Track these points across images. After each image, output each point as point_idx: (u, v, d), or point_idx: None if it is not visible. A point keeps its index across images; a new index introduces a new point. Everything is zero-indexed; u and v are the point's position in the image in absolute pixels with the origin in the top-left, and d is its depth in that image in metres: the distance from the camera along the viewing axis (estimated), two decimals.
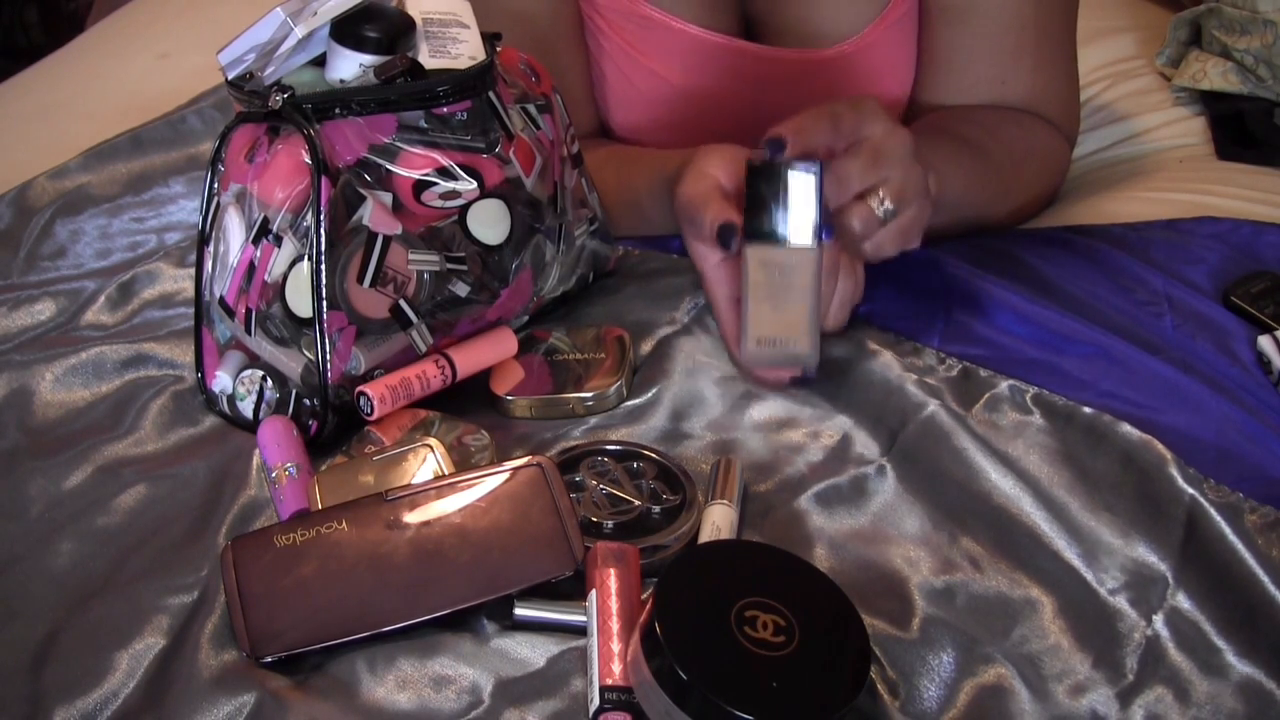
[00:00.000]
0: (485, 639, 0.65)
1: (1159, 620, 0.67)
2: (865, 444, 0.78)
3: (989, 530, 0.72)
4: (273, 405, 0.79)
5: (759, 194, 0.75)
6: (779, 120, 0.76)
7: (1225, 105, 1.17)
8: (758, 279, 0.76)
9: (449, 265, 0.80)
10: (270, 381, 0.79)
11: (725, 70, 1.01)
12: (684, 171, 0.82)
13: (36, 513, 0.74)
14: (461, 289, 0.81)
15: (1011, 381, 0.80)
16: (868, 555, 0.70)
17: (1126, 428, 0.74)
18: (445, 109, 0.79)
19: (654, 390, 0.81)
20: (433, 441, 0.74)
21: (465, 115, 0.80)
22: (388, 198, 0.78)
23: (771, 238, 0.75)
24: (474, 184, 0.80)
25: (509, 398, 0.81)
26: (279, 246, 0.77)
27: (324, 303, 0.76)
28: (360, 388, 0.77)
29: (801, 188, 0.75)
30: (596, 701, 0.60)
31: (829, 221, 0.76)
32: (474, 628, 0.66)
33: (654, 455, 0.75)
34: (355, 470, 0.73)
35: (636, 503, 0.71)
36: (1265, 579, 0.66)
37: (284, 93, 0.76)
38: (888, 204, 0.76)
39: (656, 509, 0.71)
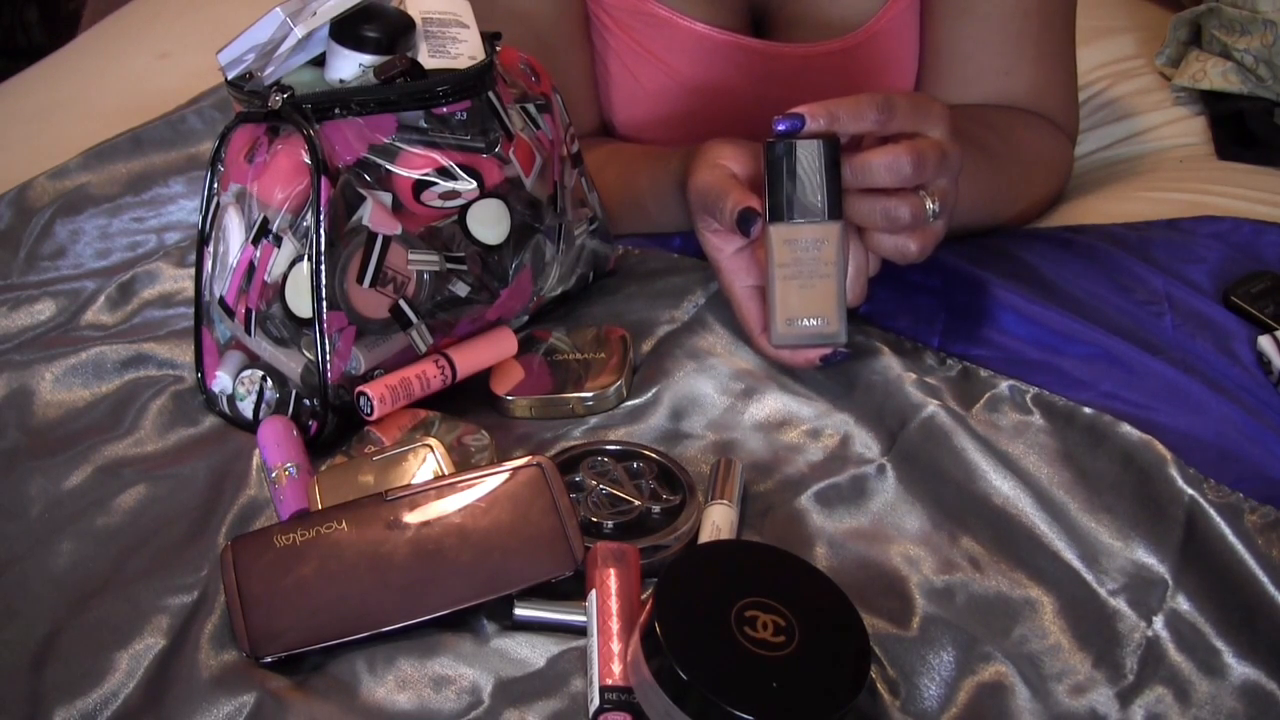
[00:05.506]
0: (485, 639, 0.65)
1: (1159, 621, 0.67)
2: (865, 444, 0.78)
3: (989, 530, 0.72)
4: (273, 405, 0.79)
5: (780, 172, 0.75)
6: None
7: (1225, 105, 1.17)
8: (783, 258, 0.76)
9: (449, 265, 0.80)
10: (270, 381, 0.79)
11: (732, 66, 1.01)
12: (694, 164, 0.82)
13: (36, 513, 0.74)
14: (461, 289, 0.81)
15: (1011, 381, 0.80)
16: (868, 555, 0.70)
17: (1126, 428, 0.74)
18: (445, 109, 0.79)
19: (654, 390, 0.81)
20: (433, 441, 0.74)
21: (465, 115, 0.80)
22: (387, 198, 0.78)
23: (796, 214, 0.75)
24: (474, 184, 0.80)
25: (509, 398, 0.81)
26: (279, 246, 0.77)
27: (324, 303, 0.76)
28: (360, 388, 0.77)
29: (823, 163, 0.75)
30: (596, 701, 0.60)
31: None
32: (474, 628, 0.66)
33: (654, 455, 0.75)
34: (355, 470, 0.73)
35: (636, 503, 0.71)
36: (1265, 579, 0.66)
37: (284, 93, 0.76)
38: (934, 206, 0.76)
39: (656, 509, 0.71)
